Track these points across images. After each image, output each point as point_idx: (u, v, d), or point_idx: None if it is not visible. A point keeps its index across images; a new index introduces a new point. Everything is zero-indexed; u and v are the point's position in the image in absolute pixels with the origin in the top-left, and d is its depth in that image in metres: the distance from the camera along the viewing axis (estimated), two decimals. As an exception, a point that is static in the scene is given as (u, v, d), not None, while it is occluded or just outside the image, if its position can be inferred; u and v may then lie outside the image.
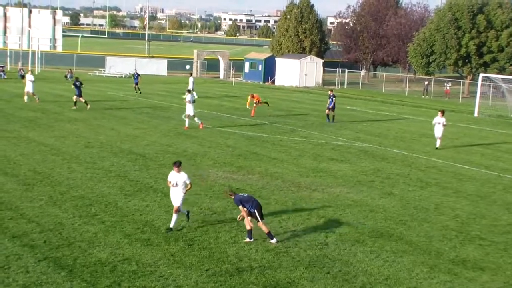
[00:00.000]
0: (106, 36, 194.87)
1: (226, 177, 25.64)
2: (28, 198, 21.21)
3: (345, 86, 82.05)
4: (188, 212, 19.12)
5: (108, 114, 42.71)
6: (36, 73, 74.38)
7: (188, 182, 18.38)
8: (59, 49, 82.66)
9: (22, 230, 17.88)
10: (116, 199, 21.57)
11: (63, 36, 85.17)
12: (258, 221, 17.81)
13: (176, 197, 18.44)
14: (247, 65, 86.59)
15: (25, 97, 46.79)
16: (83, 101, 44.15)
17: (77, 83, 44.39)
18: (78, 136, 33.51)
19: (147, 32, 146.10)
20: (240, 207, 17.75)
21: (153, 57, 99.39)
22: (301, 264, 16.39)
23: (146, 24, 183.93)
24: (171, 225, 18.32)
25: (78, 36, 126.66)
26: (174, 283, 14.83)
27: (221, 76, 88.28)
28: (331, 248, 17.66)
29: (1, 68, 71.23)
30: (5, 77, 67.98)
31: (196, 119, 37.87)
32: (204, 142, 33.66)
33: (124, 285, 14.55)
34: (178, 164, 18.49)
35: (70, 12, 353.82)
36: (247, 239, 17.88)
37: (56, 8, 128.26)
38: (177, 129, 37.31)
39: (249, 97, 46.40)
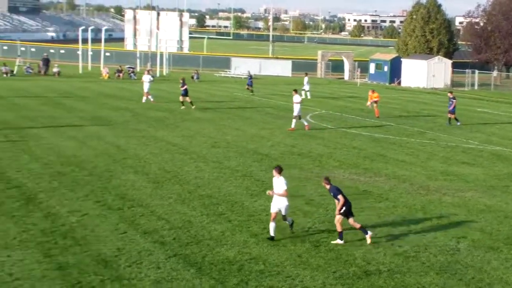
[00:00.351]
0: (231, 38, 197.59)
1: (352, 179, 25.30)
2: (158, 195, 21.70)
3: (476, 87, 79.36)
4: (292, 222, 18.20)
5: (233, 115, 43.23)
6: (164, 74, 76.50)
7: (283, 188, 17.55)
8: (185, 50, 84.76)
9: (153, 227, 18.28)
10: (242, 199, 21.70)
11: (190, 37, 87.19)
12: (337, 215, 17.49)
13: (280, 203, 17.73)
14: (372, 66, 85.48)
15: (150, 97, 47.82)
16: (189, 100, 44.82)
17: (185, 83, 45.17)
18: (204, 136, 34.05)
19: (271, 33, 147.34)
20: (340, 196, 17.38)
21: (277, 58, 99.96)
22: (431, 269, 15.88)
23: (270, 26, 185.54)
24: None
25: (204, 37, 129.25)
26: (301, 284, 14.71)
27: (346, 77, 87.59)
28: (463, 254, 17.01)
29: (131, 69, 73.67)
30: (135, 78, 70.10)
31: (294, 120, 37.40)
32: (329, 143, 33.40)
33: (252, 284, 14.56)
34: (276, 169, 17.88)
35: (196, 14, 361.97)
36: (338, 241, 17.57)
37: (183, 11, 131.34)
38: (302, 130, 37.22)
39: (370, 92, 45.81)
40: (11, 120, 36.36)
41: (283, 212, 17.74)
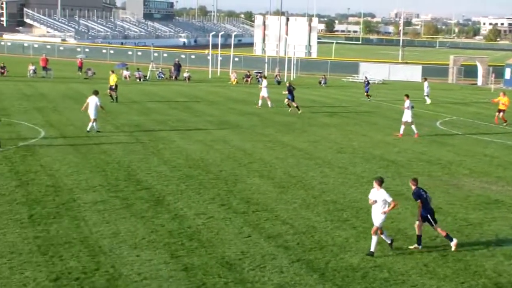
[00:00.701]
0: (359, 42, 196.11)
1: (483, 187, 24.42)
2: (282, 200, 21.74)
3: None
4: (391, 241, 17.24)
5: (360, 120, 42.80)
6: (292, 79, 76.81)
7: (389, 200, 16.71)
8: (313, 55, 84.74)
9: (277, 231, 18.32)
10: (367, 205, 21.16)
11: (318, 43, 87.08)
12: (433, 225, 17.20)
13: (375, 216, 16.98)
14: (508, 71, 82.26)
15: (259, 102, 47.96)
16: (295, 105, 44.63)
17: (291, 88, 44.99)
18: (330, 141, 33.87)
19: (401, 37, 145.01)
20: (419, 202, 17.03)
21: (407, 63, 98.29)
22: None
23: (400, 30, 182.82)
24: (372, 249, 16.69)
25: (332, 42, 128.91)
26: (427, 294, 14.33)
27: (479, 83, 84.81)
28: None
29: (259, 74, 74.44)
30: (263, 83, 70.75)
31: (413, 127, 36.30)
32: (460, 150, 32.41)
33: (375, 293, 14.31)
34: (377, 181, 17.11)
35: (325, 19, 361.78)
36: (415, 245, 17.16)
37: (312, 16, 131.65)
38: (431, 136, 36.35)
39: (501, 94, 43.88)
40: (142, 123, 37.57)
41: (377, 224, 16.84)
